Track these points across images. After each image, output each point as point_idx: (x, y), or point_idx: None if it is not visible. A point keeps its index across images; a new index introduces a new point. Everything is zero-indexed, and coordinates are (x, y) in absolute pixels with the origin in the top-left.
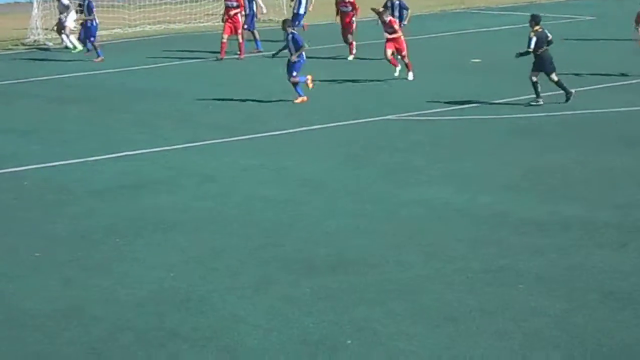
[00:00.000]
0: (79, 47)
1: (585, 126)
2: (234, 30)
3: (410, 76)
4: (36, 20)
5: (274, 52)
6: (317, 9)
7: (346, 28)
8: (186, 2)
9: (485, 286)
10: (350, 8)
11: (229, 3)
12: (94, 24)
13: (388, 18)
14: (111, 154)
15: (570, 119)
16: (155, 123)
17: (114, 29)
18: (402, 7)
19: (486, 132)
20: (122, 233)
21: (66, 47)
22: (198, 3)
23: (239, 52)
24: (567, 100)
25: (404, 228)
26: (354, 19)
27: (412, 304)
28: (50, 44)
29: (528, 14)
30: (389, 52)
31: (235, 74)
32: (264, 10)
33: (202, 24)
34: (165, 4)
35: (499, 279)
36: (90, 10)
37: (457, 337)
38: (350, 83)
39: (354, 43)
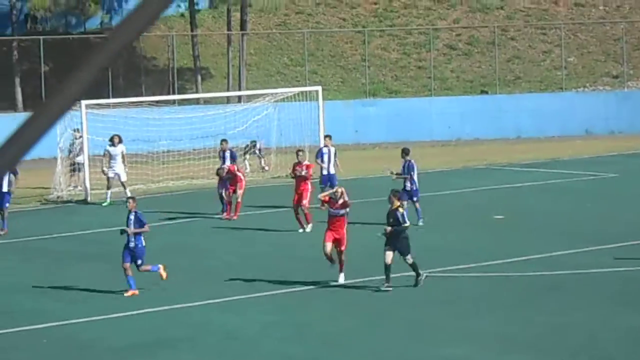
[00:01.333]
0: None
1: (610, 284)
2: (234, 190)
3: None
4: (60, 177)
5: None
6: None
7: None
8: (209, 157)
9: None
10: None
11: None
12: None
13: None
14: (132, 311)
15: (596, 277)
16: (176, 279)
17: (136, 184)
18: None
19: (509, 289)
20: None
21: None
22: (215, 159)
23: (234, 212)
24: (415, 285)
25: None
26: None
27: None
28: (74, 200)
29: (551, 170)
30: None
31: (257, 229)
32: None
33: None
34: (189, 159)
35: None
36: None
37: None
38: (370, 239)
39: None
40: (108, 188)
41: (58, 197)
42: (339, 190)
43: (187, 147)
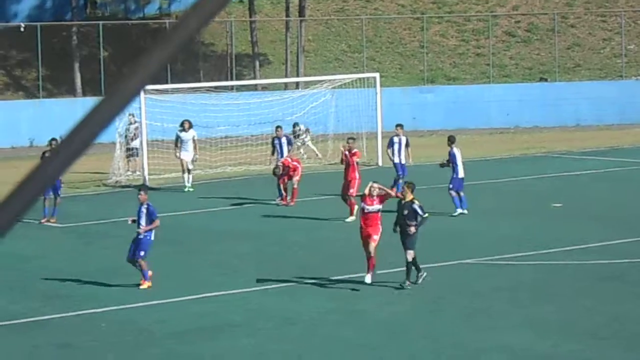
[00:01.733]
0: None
1: None
2: (289, 176)
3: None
4: (118, 162)
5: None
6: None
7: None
8: (266, 144)
9: None
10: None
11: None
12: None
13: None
14: (191, 295)
15: None
16: (235, 264)
17: (195, 170)
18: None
19: (568, 277)
20: None
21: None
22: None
23: (291, 198)
24: (399, 287)
25: None
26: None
27: None
28: (132, 185)
29: (611, 158)
30: None
31: (315, 215)
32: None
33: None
34: (246, 145)
35: None
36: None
37: None
38: (427, 225)
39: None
40: (185, 173)
41: (116, 181)
42: (374, 185)
43: (244, 133)
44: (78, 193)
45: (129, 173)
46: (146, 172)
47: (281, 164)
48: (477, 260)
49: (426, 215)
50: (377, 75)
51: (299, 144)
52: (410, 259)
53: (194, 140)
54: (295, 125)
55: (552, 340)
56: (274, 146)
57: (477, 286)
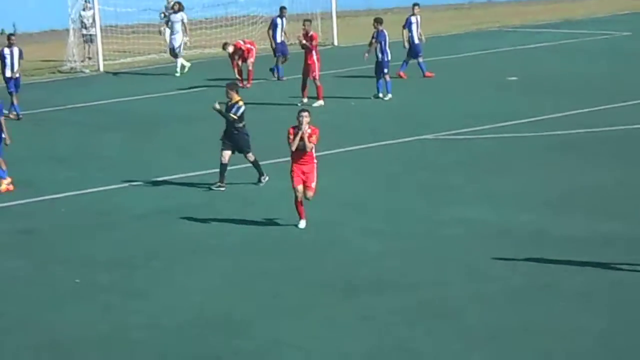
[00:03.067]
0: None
1: (624, 142)
2: (244, 59)
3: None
4: (72, 48)
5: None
6: (348, 31)
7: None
8: (221, 27)
9: (526, 305)
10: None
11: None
12: None
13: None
14: (150, 179)
15: (609, 135)
16: (194, 148)
17: (149, 54)
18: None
19: (525, 149)
20: (162, 258)
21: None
22: (232, 27)
23: (247, 80)
24: (258, 182)
25: (443, 247)
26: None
27: (453, 323)
28: (87, 70)
29: (564, 31)
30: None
31: (273, 95)
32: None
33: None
34: (201, 29)
35: (541, 298)
36: None
37: (499, 356)
38: (382, 104)
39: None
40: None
41: (71, 68)
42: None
43: (198, 17)
44: (34, 80)
45: (84, 60)
46: (100, 58)
47: (233, 45)
48: (434, 135)
49: (237, 117)
50: None
51: None
52: (252, 159)
53: (183, 23)
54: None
55: (508, 211)
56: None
57: (434, 161)
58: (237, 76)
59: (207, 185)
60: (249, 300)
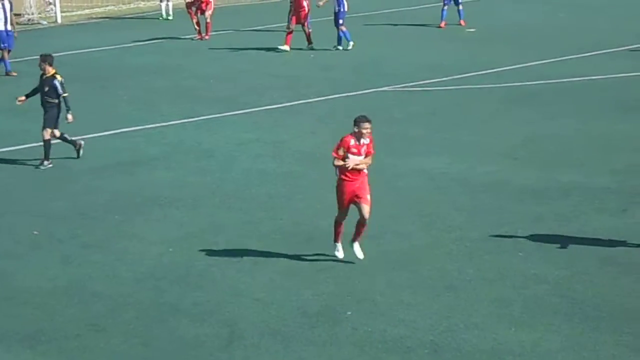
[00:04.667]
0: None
1: (582, 93)
2: (201, 10)
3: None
4: (30, 0)
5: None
6: None
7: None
8: None
9: (484, 254)
10: None
11: None
12: None
13: None
14: (108, 131)
15: (568, 86)
16: (152, 99)
17: (107, 6)
18: None
19: (483, 101)
20: (121, 210)
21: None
22: None
23: (205, 32)
24: (38, 166)
25: (402, 198)
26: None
27: (412, 273)
28: (45, 22)
29: None
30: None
31: (232, 48)
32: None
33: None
34: None
35: (499, 247)
36: None
37: (457, 306)
38: (342, 56)
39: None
40: (163, 1)
41: (29, 20)
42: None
43: None
44: None
45: (42, 11)
46: (58, 10)
47: None
48: (393, 87)
49: (67, 94)
50: None
51: None
52: (46, 137)
53: None
54: None
55: (468, 162)
56: None
57: (394, 113)
58: (195, 27)
59: (164, 138)
60: (208, 251)
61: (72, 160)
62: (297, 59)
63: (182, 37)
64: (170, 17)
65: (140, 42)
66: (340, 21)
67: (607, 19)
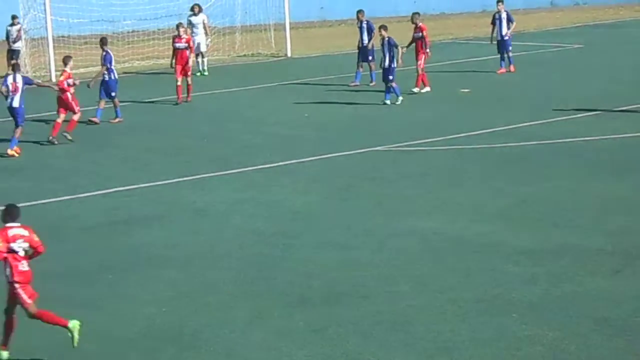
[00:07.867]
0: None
1: (575, 154)
2: (185, 73)
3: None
4: (24, 58)
5: None
6: (302, 43)
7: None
8: (153, 39)
9: (478, 316)
10: (420, 34)
11: (177, 45)
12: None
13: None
14: (102, 190)
15: (561, 147)
16: (146, 158)
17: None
18: (391, 45)
19: (477, 161)
20: (114, 269)
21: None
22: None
23: (186, 95)
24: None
25: (395, 259)
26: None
27: (405, 335)
28: (39, 80)
29: (516, 43)
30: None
31: (225, 107)
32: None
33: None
34: (153, 39)
35: (492, 309)
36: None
37: None
38: (337, 115)
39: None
40: (199, 57)
41: None
42: None
43: (151, 27)
44: None
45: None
46: (52, 68)
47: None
48: (387, 147)
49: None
50: None
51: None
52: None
53: (204, 24)
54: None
55: (461, 222)
56: None
57: (388, 173)
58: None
59: (157, 196)
60: (201, 312)
61: (65, 219)
62: (290, 118)
63: (174, 95)
64: (206, 73)
65: (134, 102)
66: (390, 77)
67: (599, 81)
